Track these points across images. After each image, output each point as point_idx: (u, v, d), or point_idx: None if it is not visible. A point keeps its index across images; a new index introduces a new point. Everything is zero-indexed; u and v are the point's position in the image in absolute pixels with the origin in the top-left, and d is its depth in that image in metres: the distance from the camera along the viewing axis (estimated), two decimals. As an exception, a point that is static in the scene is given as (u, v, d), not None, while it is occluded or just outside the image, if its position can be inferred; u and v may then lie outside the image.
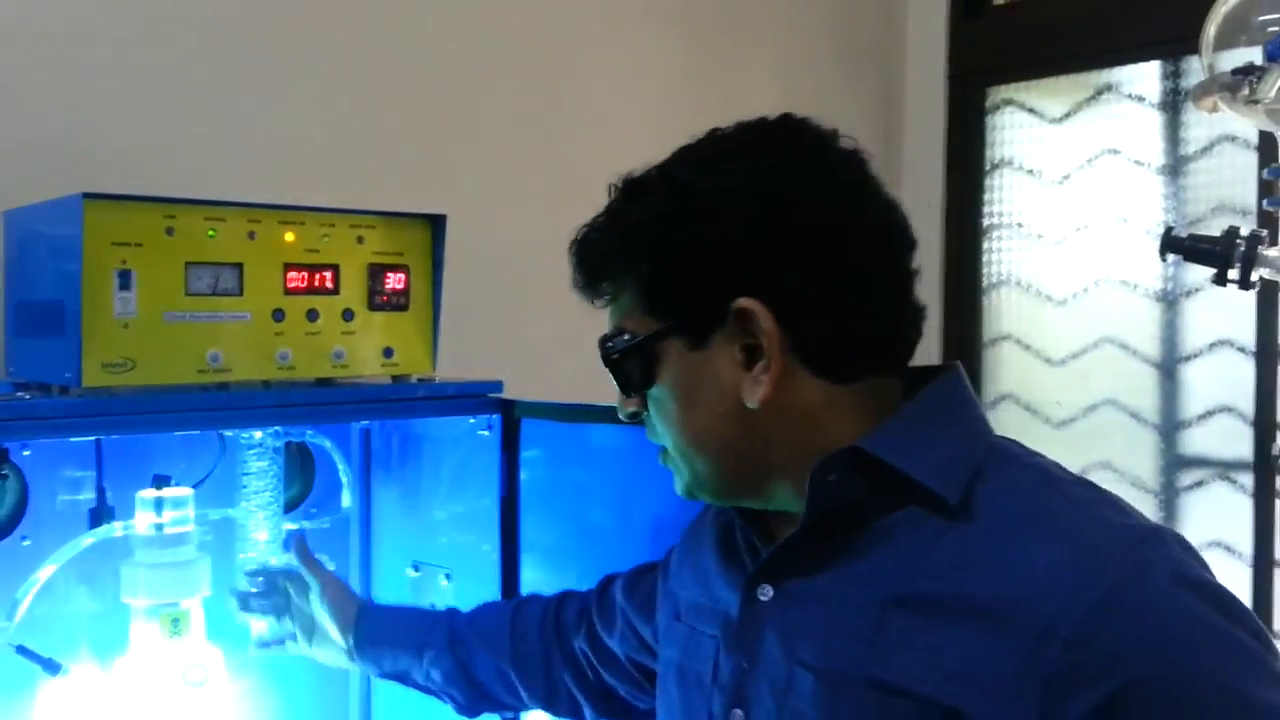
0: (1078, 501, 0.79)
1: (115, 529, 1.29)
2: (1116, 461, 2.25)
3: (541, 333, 1.84)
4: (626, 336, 0.86)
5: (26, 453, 1.29)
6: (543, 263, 1.87)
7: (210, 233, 1.15)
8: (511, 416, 1.37)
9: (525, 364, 1.50)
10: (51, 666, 1.27)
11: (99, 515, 1.30)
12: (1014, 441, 0.86)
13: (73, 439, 1.25)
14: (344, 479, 1.53)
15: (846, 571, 0.81)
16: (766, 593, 0.85)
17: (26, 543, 1.31)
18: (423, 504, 1.51)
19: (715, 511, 0.97)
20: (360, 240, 1.25)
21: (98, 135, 1.46)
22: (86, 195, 1.07)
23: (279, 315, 1.20)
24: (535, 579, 1.39)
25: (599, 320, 0.91)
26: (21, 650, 1.24)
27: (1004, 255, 2.43)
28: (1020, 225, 2.40)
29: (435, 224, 1.31)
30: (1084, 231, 2.30)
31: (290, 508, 1.50)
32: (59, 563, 1.26)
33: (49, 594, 1.32)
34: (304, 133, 1.65)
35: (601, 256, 0.88)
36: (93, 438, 1.25)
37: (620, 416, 0.91)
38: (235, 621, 1.37)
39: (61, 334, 1.10)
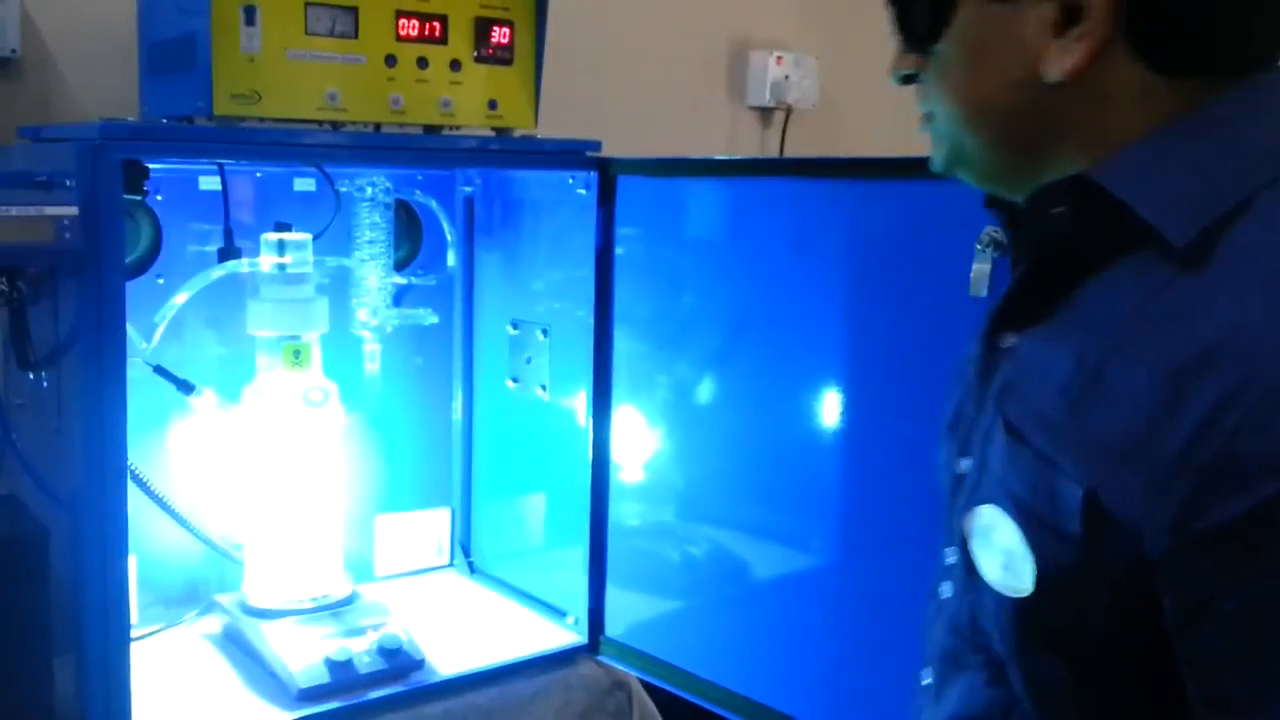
0: None
1: (242, 265, 1.41)
2: None
3: (648, 104, 1.91)
4: None
5: (160, 198, 1.42)
6: (651, 33, 1.95)
7: (329, -25, 1.23)
8: (608, 174, 1.44)
9: (624, 128, 1.56)
10: (185, 387, 1.42)
11: (226, 255, 1.42)
12: None
13: (205, 165, 1.37)
14: (449, 238, 1.64)
15: (1060, 323, 0.71)
16: (1007, 341, 0.75)
17: (161, 281, 1.45)
18: (522, 266, 1.61)
19: None
20: (468, -8, 1.32)
21: None
22: (216, -68, 1.15)
23: (391, 61, 1.28)
24: (629, 348, 1.48)
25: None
26: (159, 370, 1.39)
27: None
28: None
29: (540, -18, 1.36)
30: None
31: (400, 266, 1.62)
32: (192, 291, 1.39)
33: (183, 323, 1.47)
34: None
35: None
36: (224, 161, 1.36)
37: (890, 79, 0.81)
38: (348, 358, 1.51)
39: (193, 67, 1.20)
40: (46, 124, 1.40)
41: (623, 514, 1.51)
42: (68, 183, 1.12)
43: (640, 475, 1.50)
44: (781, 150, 2.16)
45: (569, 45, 1.47)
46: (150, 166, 1.23)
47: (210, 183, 1.45)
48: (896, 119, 2.33)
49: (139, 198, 1.21)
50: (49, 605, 1.16)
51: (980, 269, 1.02)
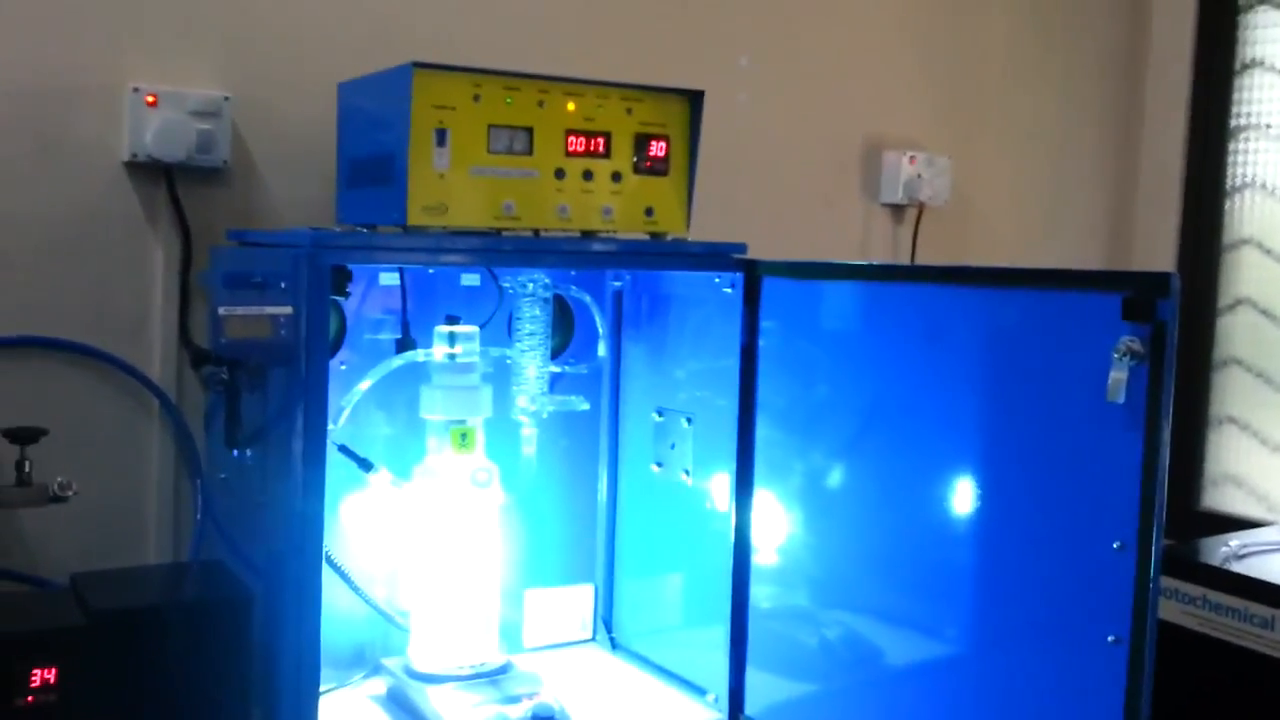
0: None
1: (418, 355, 1.57)
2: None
3: (786, 203, 2.05)
4: None
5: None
6: (790, 138, 2.10)
7: (508, 100, 1.40)
8: (754, 275, 1.57)
9: (763, 223, 1.69)
10: (365, 464, 1.57)
11: (404, 345, 1.59)
12: None
13: (394, 268, 1.55)
14: (600, 330, 1.78)
15: None
16: None
17: (344, 367, 1.62)
18: (667, 357, 1.74)
19: None
20: (629, 111, 1.48)
21: (409, 16, 1.76)
22: (416, 65, 1.33)
23: (560, 174, 1.44)
24: (768, 435, 1.59)
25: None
26: (343, 449, 1.55)
27: (1251, 158, 2.45)
28: (1269, 126, 2.41)
29: (694, 99, 1.51)
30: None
31: (554, 355, 1.77)
32: (375, 378, 1.55)
33: (364, 408, 1.63)
34: (585, 10, 1.91)
35: None
36: (418, 265, 1.54)
37: None
38: (508, 441, 1.65)
39: (389, 182, 1.37)
40: (250, 228, 1.60)
41: (760, 596, 1.61)
42: (281, 284, 1.29)
43: (777, 558, 1.60)
44: (914, 245, 2.27)
45: (715, 150, 1.61)
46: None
47: (389, 278, 1.63)
48: (1025, 216, 2.44)
49: (344, 298, 1.37)
50: (251, 663, 1.31)
51: (1117, 376, 1.11)
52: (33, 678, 1.19)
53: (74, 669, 1.22)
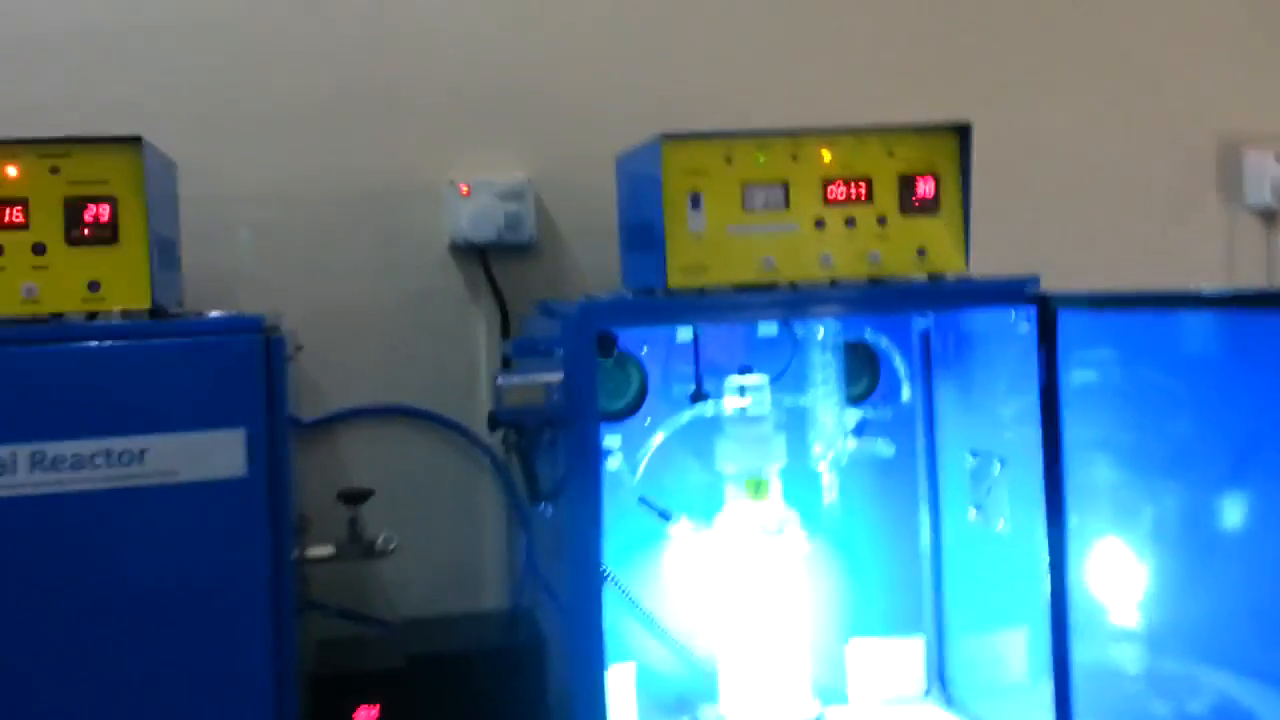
0: None
1: (708, 408, 1.67)
2: None
3: (1123, 220, 1.96)
4: None
5: (645, 349, 1.73)
6: (1121, 149, 2.00)
7: (760, 158, 1.47)
8: (1047, 309, 1.52)
9: (1063, 261, 1.63)
10: (665, 515, 1.69)
11: (697, 398, 1.69)
12: None
13: (665, 327, 1.65)
14: (901, 373, 1.79)
15: None
16: None
17: (648, 421, 1.74)
18: (976, 396, 1.71)
19: None
20: (890, 153, 1.49)
21: (682, 86, 1.90)
22: (664, 136, 1.43)
23: (820, 224, 1.49)
24: (1108, 478, 1.51)
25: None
26: (642, 500, 1.68)
27: None
28: None
29: (962, 134, 1.50)
30: None
31: (859, 399, 1.80)
32: (666, 432, 1.67)
33: (671, 459, 1.74)
34: (835, 60, 1.97)
35: None
36: (676, 326, 1.64)
37: None
38: (806, 490, 1.70)
39: (652, 247, 1.49)
40: (558, 297, 1.78)
41: (1111, 655, 1.52)
42: (558, 351, 1.44)
43: (1124, 612, 1.50)
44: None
45: (1025, 174, 1.58)
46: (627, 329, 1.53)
47: (686, 334, 1.74)
48: None
49: (609, 360, 1.50)
50: (545, 706, 1.46)
51: None
52: (359, 713, 1.41)
53: (395, 707, 1.42)
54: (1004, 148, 1.59)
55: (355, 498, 1.51)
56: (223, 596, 1.27)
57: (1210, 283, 1.95)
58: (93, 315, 1.29)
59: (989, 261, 1.58)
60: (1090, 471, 1.53)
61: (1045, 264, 1.54)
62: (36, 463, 1.20)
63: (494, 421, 1.46)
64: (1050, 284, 1.51)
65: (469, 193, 1.79)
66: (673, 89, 1.89)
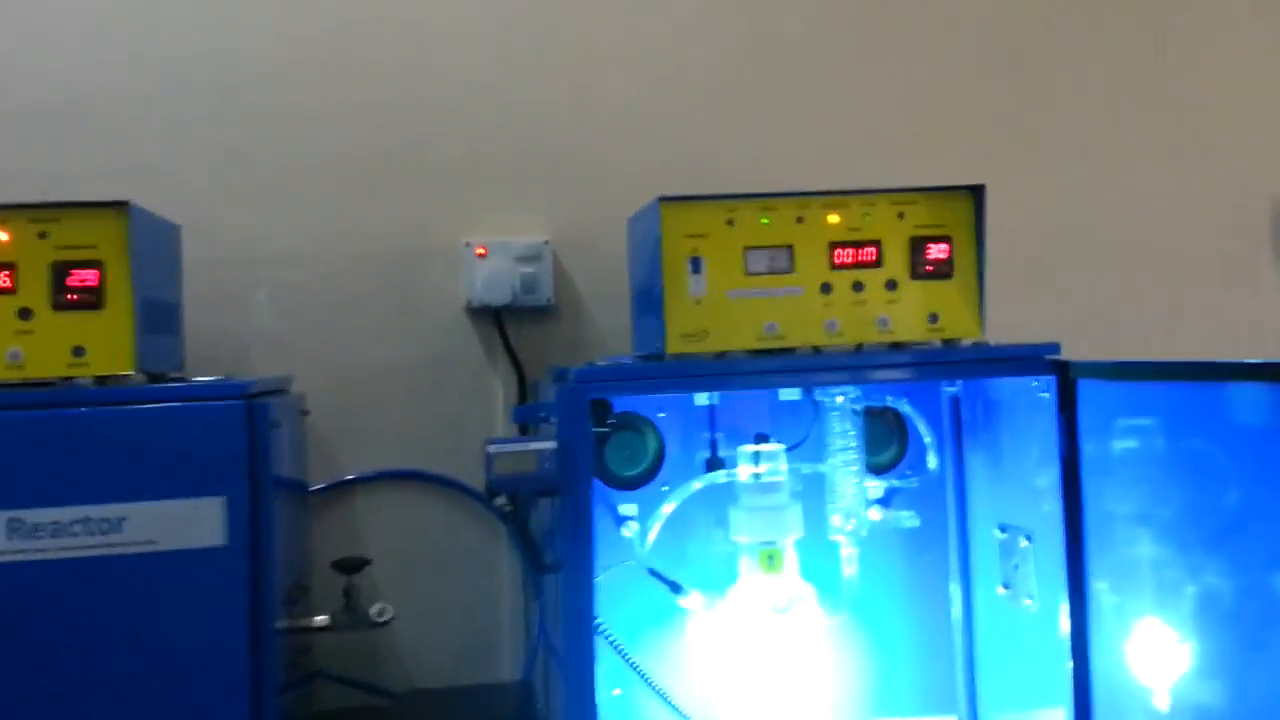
0: None
1: (720, 476, 1.62)
2: None
3: (1170, 285, 1.88)
4: None
5: (662, 414, 1.69)
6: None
7: (764, 220, 1.43)
8: (1067, 377, 1.45)
9: (1087, 327, 1.56)
10: (675, 587, 1.64)
11: (712, 466, 1.65)
12: None
13: (664, 396, 1.62)
14: (927, 441, 1.72)
15: None
16: None
17: (665, 488, 1.70)
18: (1004, 467, 1.64)
19: None
20: (901, 216, 1.45)
21: (695, 149, 1.88)
22: (662, 199, 1.40)
23: (827, 288, 1.44)
24: (1150, 554, 1.42)
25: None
26: (651, 572, 1.63)
27: None
28: None
29: (976, 195, 1.45)
30: None
31: (886, 469, 1.73)
32: (677, 501, 1.63)
33: (683, 529, 1.70)
34: (843, 122, 1.92)
35: None
36: (672, 394, 1.60)
37: None
38: (826, 561, 1.64)
39: (654, 312, 1.45)
40: (576, 360, 1.75)
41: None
42: (553, 419, 1.41)
43: (1176, 696, 1.41)
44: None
45: (1059, 238, 1.52)
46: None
47: (704, 399, 1.70)
48: None
49: (606, 430, 1.47)
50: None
51: None
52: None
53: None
54: (1066, 213, 1.53)
55: (350, 566, 1.50)
56: (202, 666, 1.26)
57: (1267, 344, 1.87)
58: (70, 380, 1.30)
59: (1035, 329, 1.54)
60: (1131, 548, 1.45)
61: (1105, 329, 1.48)
62: (14, 529, 1.20)
63: (489, 489, 1.43)
64: (1099, 351, 1.45)
65: (485, 254, 1.78)
66: (691, 151, 1.87)
